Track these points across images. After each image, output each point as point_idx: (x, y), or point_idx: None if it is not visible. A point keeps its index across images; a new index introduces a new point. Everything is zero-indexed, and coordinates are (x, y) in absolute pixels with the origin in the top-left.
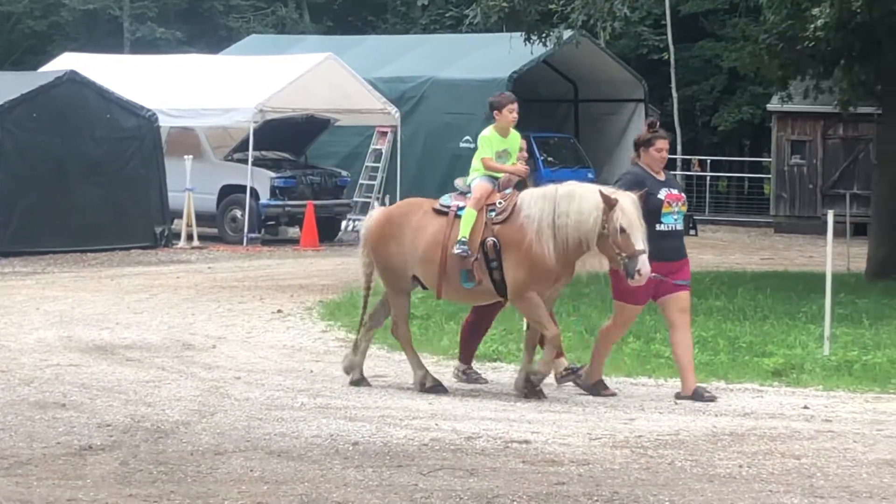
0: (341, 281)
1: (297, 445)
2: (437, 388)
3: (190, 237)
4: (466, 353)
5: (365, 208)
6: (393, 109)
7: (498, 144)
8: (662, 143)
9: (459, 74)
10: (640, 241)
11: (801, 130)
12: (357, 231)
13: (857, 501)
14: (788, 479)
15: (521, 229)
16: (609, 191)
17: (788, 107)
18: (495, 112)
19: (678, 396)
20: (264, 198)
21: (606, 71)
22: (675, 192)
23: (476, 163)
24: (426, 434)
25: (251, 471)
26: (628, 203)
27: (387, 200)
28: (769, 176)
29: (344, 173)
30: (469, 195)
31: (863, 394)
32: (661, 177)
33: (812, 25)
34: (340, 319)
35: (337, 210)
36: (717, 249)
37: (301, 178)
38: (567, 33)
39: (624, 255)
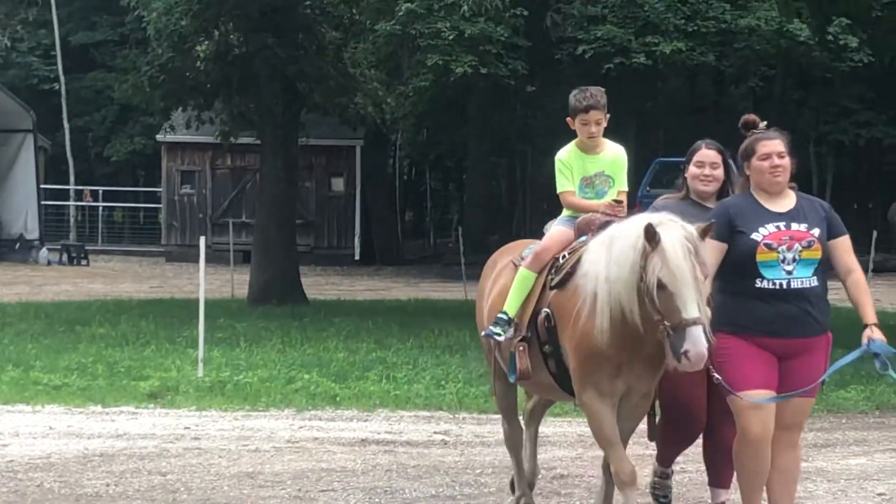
0: None
1: None
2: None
3: None
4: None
5: None
6: None
7: (583, 168)
8: (768, 146)
9: None
10: (690, 305)
11: (190, 161)
12: None
13: None
14: (153, 495)
15: (574, 294)
16: (649, 219)
17: (177, 137)
18: (568, 119)
19: None
20: None
21: None
22: (798, 227)
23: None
24: None
25: None
26: (675, 242)
27: None
28: None
29: None
30: None
31: (233, 412)
32: (781, 205)
33: (196, 58)
34: None
35: None
36: (108, 279)
37: None
38: None
39: (667, 324)
